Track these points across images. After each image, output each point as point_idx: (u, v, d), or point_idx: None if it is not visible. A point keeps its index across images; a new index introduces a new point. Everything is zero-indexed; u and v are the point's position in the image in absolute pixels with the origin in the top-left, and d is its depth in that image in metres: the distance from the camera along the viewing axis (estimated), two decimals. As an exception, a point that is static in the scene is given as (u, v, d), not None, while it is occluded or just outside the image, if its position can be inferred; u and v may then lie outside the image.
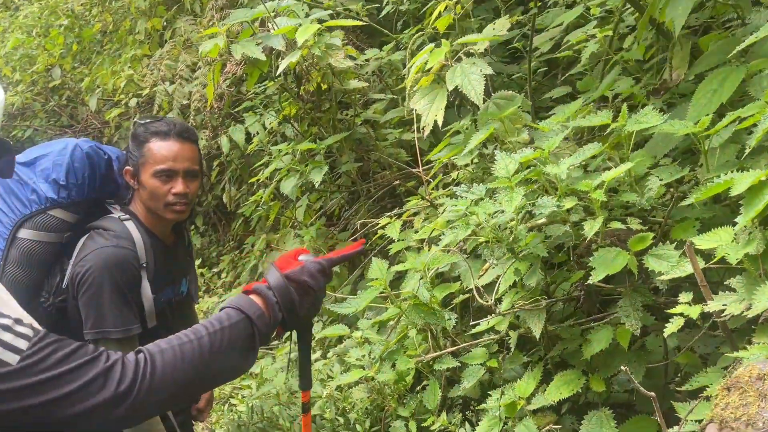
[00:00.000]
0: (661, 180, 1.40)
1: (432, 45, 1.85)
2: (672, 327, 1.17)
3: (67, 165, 1.92)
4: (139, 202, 2.01)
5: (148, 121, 2.03)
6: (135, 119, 2.05)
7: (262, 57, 2.70)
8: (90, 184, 1.96)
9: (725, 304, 1.12)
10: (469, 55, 1.79)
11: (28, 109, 7.17)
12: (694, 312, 1.15)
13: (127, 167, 1.99)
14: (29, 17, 7.77)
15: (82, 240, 1.94)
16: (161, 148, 1.95)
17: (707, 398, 1.15)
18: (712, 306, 1.14)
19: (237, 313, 1.14)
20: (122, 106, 5.26)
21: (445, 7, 2.05)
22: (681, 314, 1.19)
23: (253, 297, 1.19)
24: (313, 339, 3.10)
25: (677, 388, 1.51)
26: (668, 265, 1.25)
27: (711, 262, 1.20)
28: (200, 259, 5.51)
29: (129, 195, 2.04)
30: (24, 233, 1.90)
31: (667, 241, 1.33)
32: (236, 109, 4.17)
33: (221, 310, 1.16)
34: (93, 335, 1.84)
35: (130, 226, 1.94)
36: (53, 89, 6.99)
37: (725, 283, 1.24)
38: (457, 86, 1.67)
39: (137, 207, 2.02)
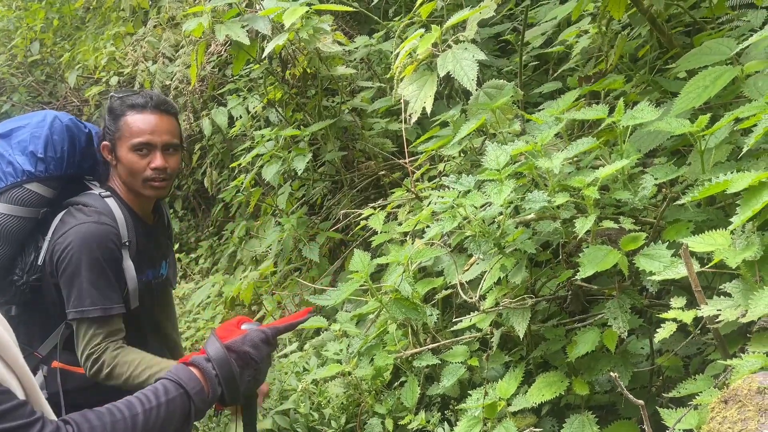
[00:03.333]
0: (656, 179, 1.35)
1: (421, 31, 1.79)
2: (664, 332, 1.13)
3: (46, 137, 1.83)
4: (117, 178, 1.93)
5: (125, 94, 1.95)
6: (113, 93, 1.96)
7: (246, 41, 2.61)
8: (69, 159, 1.87)
9: (719, 310, 1.08)
10: (459, 42, 1.72)
11: (6, 84, 6.99)
12: (688, 317, 1.11)
13: (105, 142, 1.91)
14: (10, -10, 7.57)
15: (59, 216, 1.86)
16: (138, 120, 1.87)
17: (696, 407, 1.11)
18: (706, 311, 1.09)
19: (175, 387, 1.07)
20: (103, 84, 5.13)
21: (435, -7, 1.99)
22: (674, 319, 1.14)
23: (191, 369, 1.11)
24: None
25: (663, 394, 1.48)
26: (660, 265, 1.21)
27: (708, 266, 1.15)
28: (178, 244, 5.41)
29: (108, 172, 1.96)
30: None
31: (659, 242, 1.29)
32: (219, 92, 4.07)
33: (158, 380, 1.08)
34: (73, 314, 1.77)
35: (111, 203, 1.86)
36: (32, 64, 6.82)
37: (718, 287, 1.19)
38: (448, 72, 1.61)
39: (116, 184, 1.94)
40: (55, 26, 6.80)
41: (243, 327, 1.18)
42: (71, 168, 1.90)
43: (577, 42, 2.65)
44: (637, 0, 2.02)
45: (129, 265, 1.86)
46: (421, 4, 2.06)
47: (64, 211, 1.86)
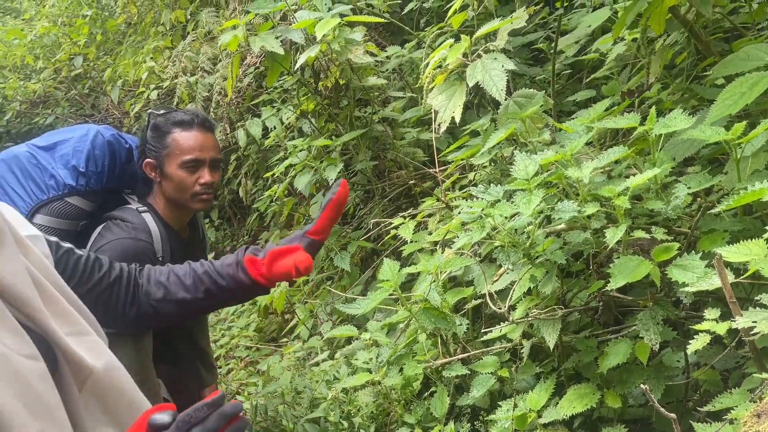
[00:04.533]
0: (689, 188, 1.33)
1: (451, 41, 1.79)
2: (697, 344, 1.10)
3: (88, 152, 1.88)
4: (160, 194, 1.98)
5: (165, 111, 1.99)
6: (150, 110, 2.01)
7: (280, 51, 2.65)
8: (109, 173, 1.92)
9: (755, 321, 1.05)
10: (489, 51, 1.72)
11: (50, 97, 7.22)
12: (722, 329, 1.08)
13: (148, 160, 1.95)
14: (56, 6, 7.84)
15: (98, 230, 1.91)
16: (186, 138, 1.92)
17: (731, 422, 1.08)
18: (740, 323, 1.06)
19: None
20: (143, 97, 5.26)
21: (463, 4, 1.99)
22: (707, 331, 1.11)
23: None
24: (322, 339, 3.07)
25: (697, 408, 1.44)
26: (694, 276, 1.18)
27: (742, 277, 1.12)
28: (214, 253, 5.50)
29: (147, 187, 2.01)
30: (39, 219, 1.86)
31: (693, 252, 1.26)
32: (254, 102, 4.14)
33: None
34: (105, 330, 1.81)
35: (148, 218, 1.91)
36: (76, 78, 7.03)
37: (755, 299, 1.16)
38: (477, 82, 1.60)
39: (157, 200, 1.98)
40: (98, 41, 7.01)
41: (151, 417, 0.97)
42: (111, 182, 1.96)
43: (611, 49, 2.62)
44: (675, 9, 1.98)
45: None
46: (452, 15, 2.07)
47: (102, 225, 1.91)
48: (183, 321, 1.60)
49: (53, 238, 1.25)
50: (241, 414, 0.93)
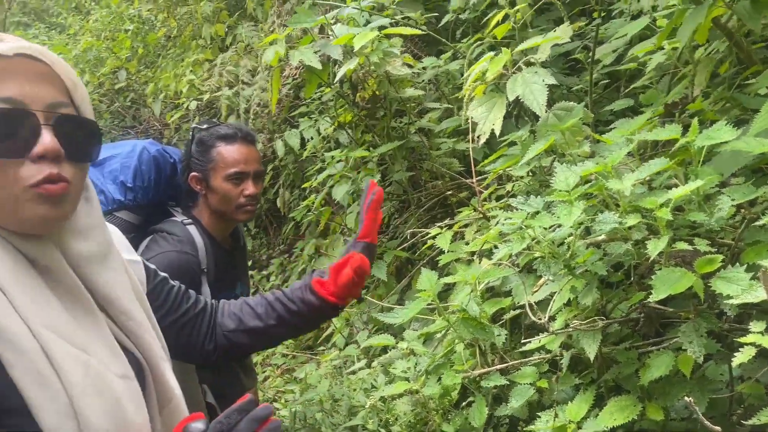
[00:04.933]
0: (732, 200, 1.32)
1: (491, 54, 1.81)
2: (742, 357, 1.09)
3: (135, 167, 1.95)
4: (204, 206, 2.04)
5: (208, 126, 2.06)
6: (193, 124, 2.08)
7: (318, 65, 2.71)
8: (155, 187, 1.99)
9: (802, 336, 1.04)
10: (529, 64, 1.74)
11: (95, 110, 7.44)
12: (767, 341, 1.07)
13: (193, 173, 2.01)
14: (99, 21, 8.10)
15: (145, 242, 1.97)
16: (231, 151, 1.99)
17: (778, 436, 1.07)
18: (787, 337, 1.06)
19: None
20: (183, 108, 5.39)
21: (504, 16, 2.01)
22: (753, 344, 1.11)
23: None
24: (358, 348, 3.10)
25: (742, 422, 1.42)
26: (738, 288, 1.17)
27: (788, 290, 1.11)
28: (251, 261, 5.59)
29: (191, 200, 2.07)
30: None
31: (737, 264, 1.25)
32: (292, 114, 4.21)
33: None
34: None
35: (193, 230, 1.97)
36: (118, 91, 7.24)
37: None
38: (518, 96, 1.62)
39: (202, 212, 2.04)
40: (140, 54, 7.21)
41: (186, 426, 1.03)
42: (157, 196, 2.02)
43: (650, 58, 2.61)
44: (717, 19, 1.96)
45: (206, 291, 1.96)
46: (494, 27, 2.09)
47: (149, 238, 1.97)
48: (256, 351, 1.62)
49: (152, 266, 1.29)
50: (273, 416, 0.97)
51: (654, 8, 2.86)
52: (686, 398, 1.03)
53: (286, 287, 1.56)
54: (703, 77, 2.23)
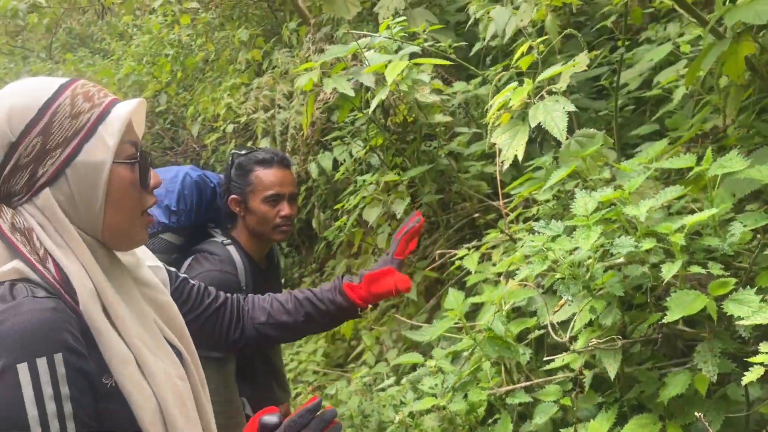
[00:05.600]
0: (745, 226, 1.38)
1: (515, 84, 1.90)
2: (751, 375, 1.15)
3: (179, 192, 2.09)
4: (243, 227, 2.16)
5: (247, 151, 2.19)
6: (232, 150, 2.22)
7: (351, 93, 2.83)
8: (197, 210, 2.13)
9: (809, 356, 1.09)
10: (551, 93, 1.82)
11: (136, 131, 7.71)
12: (775, 362, 1.13)
13: (233, 196, 2.15)
14: (140, 46, 8.43)
15: (187, 262, 2.10)
16: (268, 175, 2.12)
17: (788, 452, 1.12)
18: (794, 357, 1.11)
19: None
20: (220, 131, 5.58)
21: (529, 47, 2.10)
22: (762, 363, 1.17)
23: None
24: (388, 366, 3.18)
25: (759, 441, 1.46)
26: (749, 310, 1.23)
27: (795, 312, 1.17)
28: (283, 280, 5.72)
29: (230, 221, 2.20)
30: None
31: (748, 287, 1.31)
32: (325, 138, 4.35)
33: None
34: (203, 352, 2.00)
35: (232, 250, 2.09)
36: (158, 113, 7.51)
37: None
38: (539, 123, 1.71)
39: (240, 232, 2.17)
40: (179, 78, 7.49)
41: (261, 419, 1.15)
42: (198, 218, 2.16)
43: (676, 86, 2.67)
44: (748, 59, 1.99)
45: None
46: (519, 58, 2.18)
47: (191, 258, 2.10)
48: (281, 343, 1.77)
49: (172, 269, 1.43)
50: (336, 420, 1.10)
51: (680, 35, 2.93)
52: (696, 413, 1.09)
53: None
54: (733, 108, 2.26)
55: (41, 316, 0.93)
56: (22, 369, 0.90)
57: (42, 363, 0.91)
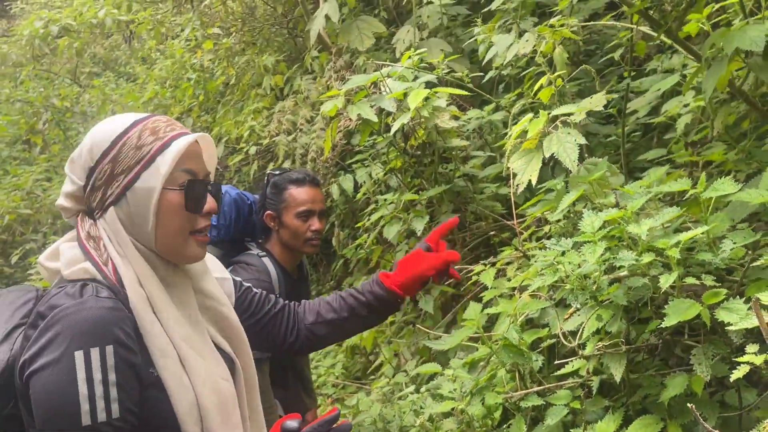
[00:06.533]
0: (734, 243, 1.55)
1: (531, 115, 2.10)
2: (738, 373, 1.32)
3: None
4: (276, 241, 2.36)
5: (281, 172, 2.40)
6: (269, 170, 2.42)
7: (375, 119, 3.04)
8: (235, 225, 2.33)
9: (788, 355, 1.26)
10: (565, 124, 2.01)
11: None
12: (759, 359, 1.29)
13: (268, 212, 2.36)
14: (163, 70, 8.73)
15: None
16: (301, 192, 2.32)
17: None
18: (774, 356, 1.28)
19: None
20: (242, 153, 5.82)
21: (547, 80, 2.30)
22: (748, 362, 1.33)
23: None
24: (407, 376, 3.33)
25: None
26: (737, 317, 1.40)
27: (775, 317, 1.34)
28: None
29: (265, 235, 2.40)
30: None
31: (737, 296, 1.48)
32: (348, 161, 4.56)
33: None
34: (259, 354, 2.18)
35: (267, 262, 2.29)
36: (182, 136, 7.75)
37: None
38: (553, 153, 1.90)
39: (274, 245, 2.37)
40: (200, 101, 7.75)
41: (284, 423, 1.25)
42: (236, 232, 2.36)
43: (680, 116, 2.85)
44: (731, 81, 2.20)
45: None
46: (538, 90, 2.38)
47: (230, 269, 2.30)
48: (332, 342, 1.88)
49: (237, 278, 1.61)
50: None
51: (684, 65, 3.12)
52: (689, 404, 1.26)
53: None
54: (720, 120, 2.45)
55: (99, 314, 1.13)
56: (78, 356, 1.10)
57: (95, 352, 1.10)
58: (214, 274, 1.44)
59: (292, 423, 1.22)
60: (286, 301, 1.72)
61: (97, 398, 1.09)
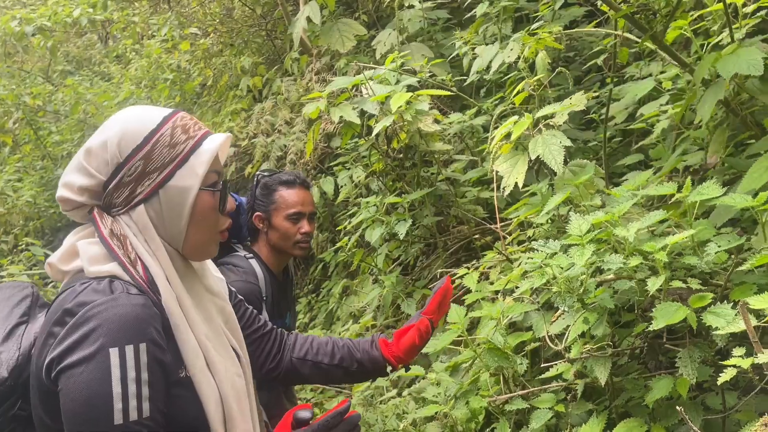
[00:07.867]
0: (719, 246, 1.57)
1: (515, 117, 2.10)
2: (725, 376, 1.33)
3: None
4: (264, 242, 2.33)
5: (270, 173, 2.37)
6: (260, 172, 2.39)
7: (358, 121, 3.02)
8: None
9: (774, 358, 1.27)
10: (549, 126, 2.02)
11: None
12: (746, 363, 1.30)
13: (257, 213, 2.32)
14: (139, 70, 8.61)
15: None
16: (291, 194, 2.29)
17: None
18: (762, 358, 1.29)
19: None
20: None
21: (528, 85, 2.31)
22: (735, 366, 1.34)
23: None
24: (387, 379, 3.31)
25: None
26: (725, 321, 1.41)
27: (763, 321, 1.35)
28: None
29: (252, 237, 2.36)
30: None
31: (725, 301, 1.49)
32: (328, 165, 4.53)
33: None
34: None
35: (254, 263, 2.25)
36: (157, 136, 7.64)
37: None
38: (538, 155, 1.90)
39: (261, 247, 2.33)
40: (177, 102, 7.66)
41: (296, 413, 1.26)
42: None
43: (657, 121, 2.88)
44: (727, 101, 2.16)
45: (265, 316, 2.23)
46: (516, 95, 2.39)
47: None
48: (308, 384, 1.81)
49: (233, 288, 1.58)
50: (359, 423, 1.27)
51: (661, 72, 3.16)
52: (677, 407, 1.26)
53: (314, 325, 1.80)
54: (718, 145, 2.43)
55: (134, 311, 1.11)
56: (114, 353, 1.07)
57: (129, 350, 1.08)
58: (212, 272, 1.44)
59: (305, 413, 1.24)
60: (275, 327, 1.65)
61: (130, 397, 1.07)
